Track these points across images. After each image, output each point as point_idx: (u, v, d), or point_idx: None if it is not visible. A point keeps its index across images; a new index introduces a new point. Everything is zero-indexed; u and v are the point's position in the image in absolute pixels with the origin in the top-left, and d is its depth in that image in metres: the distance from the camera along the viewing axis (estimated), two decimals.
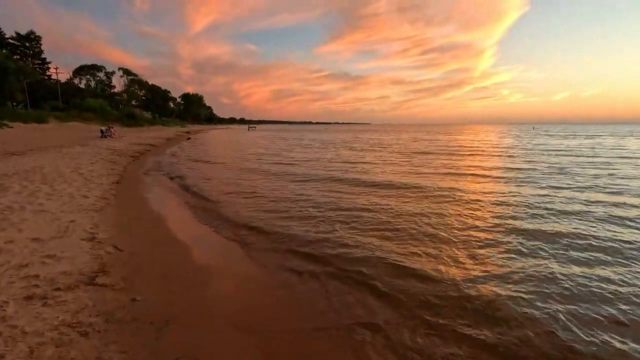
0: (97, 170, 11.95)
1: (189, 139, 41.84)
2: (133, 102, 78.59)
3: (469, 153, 22.59)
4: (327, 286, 4.33)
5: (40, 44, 59.64)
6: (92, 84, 74.14)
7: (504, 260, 5.01)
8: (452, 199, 8.92)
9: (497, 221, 6.92)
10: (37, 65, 58.51)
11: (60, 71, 78.87)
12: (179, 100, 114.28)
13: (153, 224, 6.88)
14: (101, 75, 75.51)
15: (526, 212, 7.54)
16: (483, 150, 24.47)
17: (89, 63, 72.92)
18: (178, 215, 7.63)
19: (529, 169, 14.54)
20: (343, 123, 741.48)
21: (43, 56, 60.63)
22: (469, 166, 15.88)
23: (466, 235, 6.07)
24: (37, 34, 58.86)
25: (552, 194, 9.46)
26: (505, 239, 5.87)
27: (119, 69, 78.66)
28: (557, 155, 20.72)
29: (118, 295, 3.78)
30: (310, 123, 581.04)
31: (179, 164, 16.95)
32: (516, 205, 8.18)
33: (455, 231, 6.30)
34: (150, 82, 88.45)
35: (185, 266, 4.90)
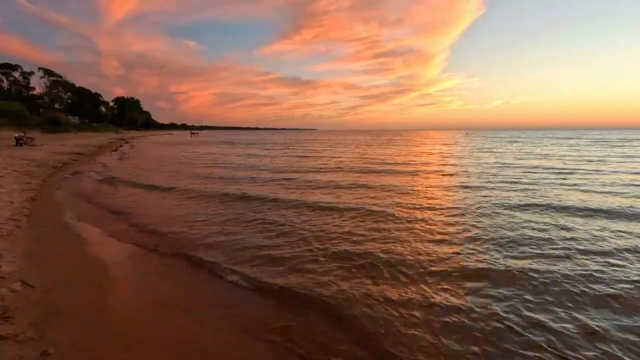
0: (7, 185, 10.19)
1: (115, 150, 31.72)
2: (57, 106, 70.45)
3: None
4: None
5: None
6: (5, 84, 65.21)
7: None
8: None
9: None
10: None
11: None
12: (112, 104, 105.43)
13: (74, 250, 5.82)
14: (16, 75, 66.77)
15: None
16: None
17: None
18: (104, 239, 6.50)
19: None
20: (290, 129, 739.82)
21: None
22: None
23: None
24: None
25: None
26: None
27: (39, 69, 70.13)
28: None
29: (23, 349, 3.02)
30: (257, 129, 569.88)
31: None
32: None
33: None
34: (73, 83, 79.99)
35: (112, 303, 4.11)
